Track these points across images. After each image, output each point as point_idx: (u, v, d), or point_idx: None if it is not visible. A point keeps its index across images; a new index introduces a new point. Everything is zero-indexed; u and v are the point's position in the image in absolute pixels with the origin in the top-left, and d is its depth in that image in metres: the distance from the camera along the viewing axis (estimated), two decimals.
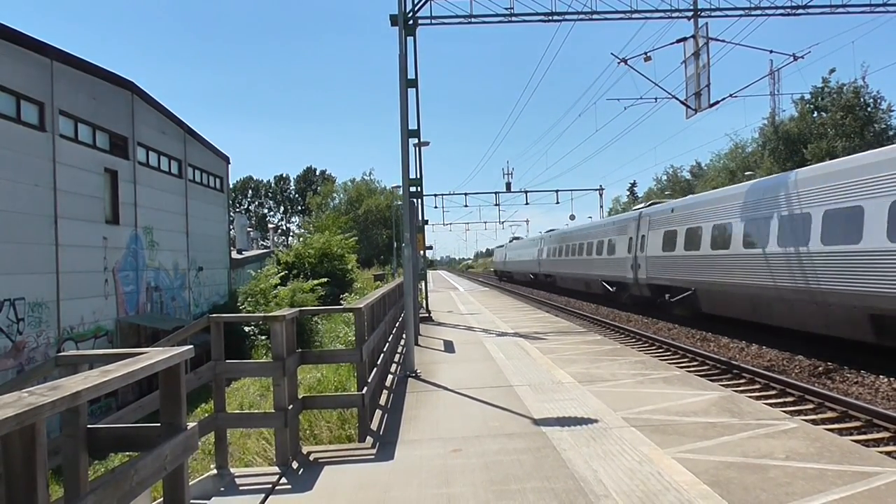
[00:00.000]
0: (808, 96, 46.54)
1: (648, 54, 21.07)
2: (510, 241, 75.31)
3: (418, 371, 11.13)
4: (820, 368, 14.35)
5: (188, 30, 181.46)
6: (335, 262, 34.14)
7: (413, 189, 17.98)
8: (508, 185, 62.98)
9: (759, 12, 20.07)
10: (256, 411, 8.89)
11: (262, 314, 14.00)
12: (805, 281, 15.54)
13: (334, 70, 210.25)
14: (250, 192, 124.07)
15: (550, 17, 20.07)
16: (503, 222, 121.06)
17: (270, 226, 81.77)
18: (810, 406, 11.09)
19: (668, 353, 17.08)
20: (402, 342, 13.78)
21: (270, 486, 5.74)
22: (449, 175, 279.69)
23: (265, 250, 48.80)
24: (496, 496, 5.23)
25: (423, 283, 22.79)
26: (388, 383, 10.16)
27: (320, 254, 33.68)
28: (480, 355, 13.02)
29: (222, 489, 5.85)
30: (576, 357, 12.16)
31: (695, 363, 15.59)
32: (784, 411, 8.79)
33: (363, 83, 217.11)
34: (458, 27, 20.37)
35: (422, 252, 21.83)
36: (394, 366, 11.82)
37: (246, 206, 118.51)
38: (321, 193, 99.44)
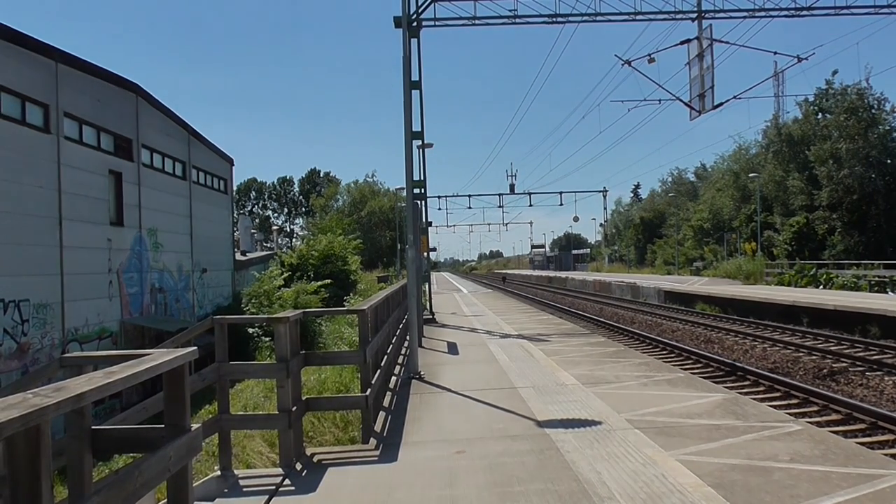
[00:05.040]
0: (811, 98, 46.49)
1: (652, 56, 21.07)
2: None
3: (422, 373, 11.12)
4: (824, 370, 14.32)
5: (192, 32, 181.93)
6: (338, 264, 34.10)
7: (417, 191, 18.00)
8: (512, 187, 63.15)
9: (763, 13, 20.06)
10: (260, 413, 8.89)
11: (265, 316, 14.01)
12: None
13: (338, 72, 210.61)
14: (254, 193, 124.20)
15: (554, 19, 20.07)
16: (507, 224, 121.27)
17: (274, 227, 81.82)
18: (815, 408, 11.06)
19: (672, 355, 17.06)
20: (406, 344, 13.78)
21: (274, 487, 5.74)
22: (453, 177, 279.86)
23: (269, 252, 48.84)
24: (500, 498, 5.22)
25: (427, 285, 22.77)
26: (391, 385, 10.16)
27: (324, 255, 33.66)
28: (484, 357, 13.01)
29: (226, 490, 5.85)
30: (579, 359, 12.14)
31: (699, 365, 15.56)
32: (788, 413, 8.77)
33: (367, 85, 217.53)
34: (461, 29, 20.38)
35: (425, 254, 21.83)
36: (397, 367, 11.82)
37: (250, 208, 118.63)
38: (325, 195, 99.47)
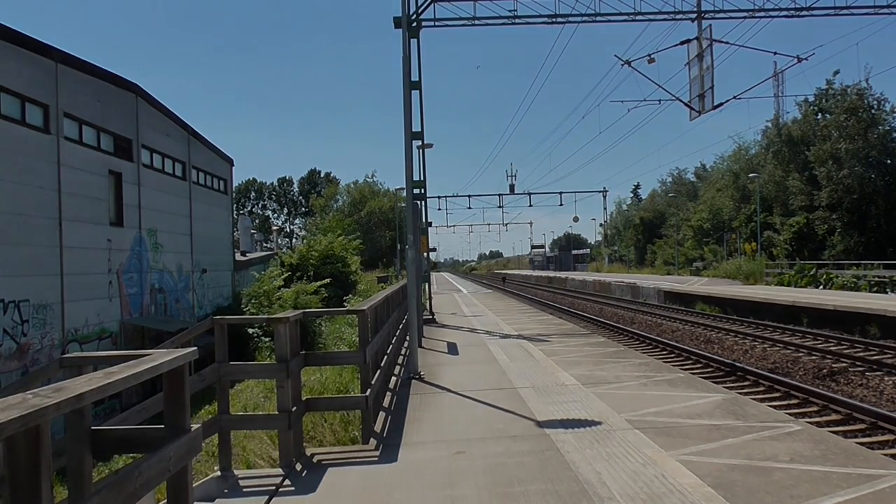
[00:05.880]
0: (811, 98, 46.48)
1: (652, 56, 21.07)
2: None
3: (422, 373, 11.12)
4: (824, 370, 14.32)
5: (192, 32, 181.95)
6: (338, 264, 34.12)
7: (416, 191, 17.97)
8: (512, 187, 63.24)
9: (762, 14, 20.06)
10: (260, 413, 8.89)
11: (265, 316, 13.98)
12: None
13: (338, 72, 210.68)
14: (254, 193, 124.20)
15: (554, 19, 20.07)
16: (507, 224, 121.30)
17: (274, 228, 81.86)
18: (815, 408, 11.05)
19: (673, 356, 17.05)
20: (406, 344, 13.78)
21: (274, 487, 5.74)
22: (453, 177, 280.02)
23: (269, 252, 48.84)
24: (500, 498, 5.22)
25: (427, 285, 22.77)
26: (391, 385, 10.16)
27: (324, 256, 33.67)
28: (484, 357, 13.01)
29: (226, 490, 5.85)
30: (579, 359, 12.14)
31: (699, 365, 15.55)
32: (788, 413, 8.76)
33: (367, 85, 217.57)
34: (461, 29, 20.38)
35: (425, 254, 21.83)
36: (397, 368, 11.82)
37: (249, 209, 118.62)
38: (324, 195, 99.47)
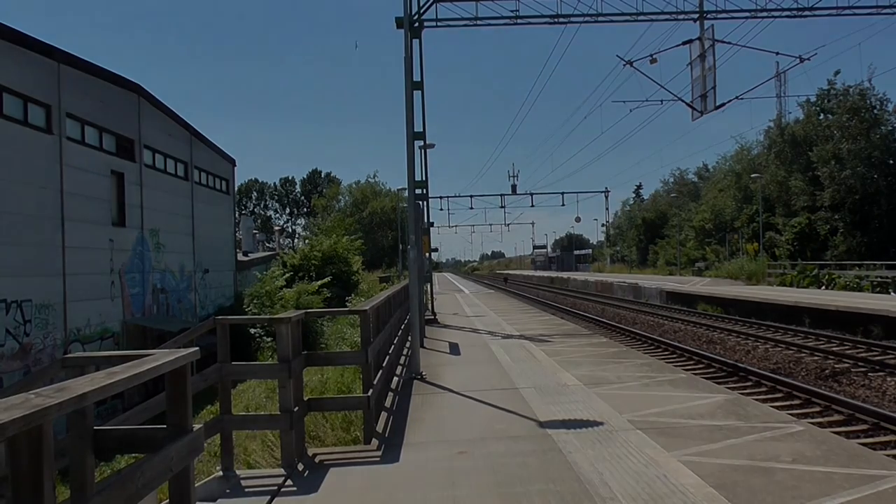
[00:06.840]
0: (813, 98, 46.42)
1: (654, 56, 21.07)
2: None
3: (424, 373, 11.11)
4: (827, 371, 14.30)
5: (194, 33, 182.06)
6: (340, 264, 34.17)
7: (418, 191, 18.00)
8: (514, 188, 63.30)
9: (764, 14, 20.07)
10: (262, 413, 8.90)
11: (267, 316, 14.02)
12: None
13: (340, 72, 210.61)
14: (255, 194, 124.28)
15: (556, 20, 20.09)
16: (509, 224, 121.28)
17: (276, 228, 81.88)
18: (817, 409, 11.03)
19: (675, 356, 17.03)
20: (408, 344, 13.78)
21: (276, 487, 5.74)
22: (455, 177, 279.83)
23: (271, 252, 48.88)
24: (502, 499, 5.22)
25: (429, 286, 22.76)
26: (393, 385, 10.15)
27: (327, 256, 33.70)
28: (486, 357, 13.00)
29: (228, 490, 5.86)
30: (581, 360, 12.13)
31: (701, 366, 15.53)
32: (790, 414, 8.76)
33: (369, 86, 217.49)
34: (463, 29, 20.41)
35: (427, 254, 21.82)
36: (399, 368, 11.82)
37: (251, 209, 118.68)
38: (326, 196, 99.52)
